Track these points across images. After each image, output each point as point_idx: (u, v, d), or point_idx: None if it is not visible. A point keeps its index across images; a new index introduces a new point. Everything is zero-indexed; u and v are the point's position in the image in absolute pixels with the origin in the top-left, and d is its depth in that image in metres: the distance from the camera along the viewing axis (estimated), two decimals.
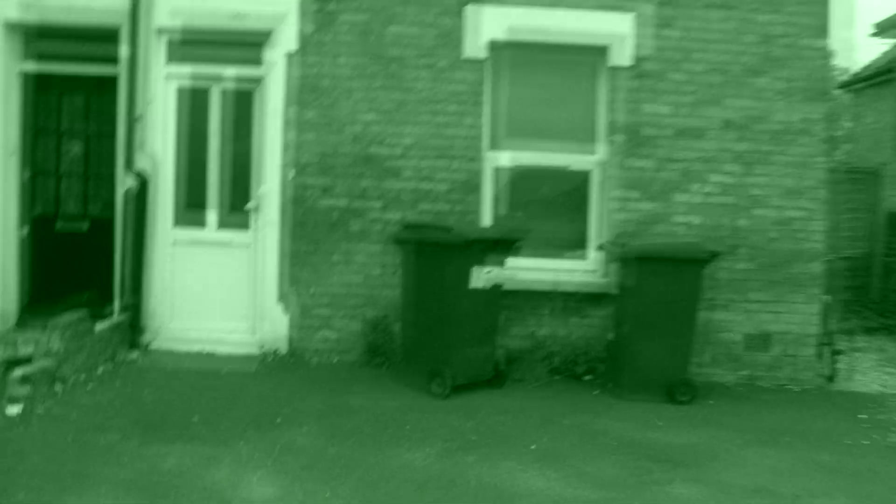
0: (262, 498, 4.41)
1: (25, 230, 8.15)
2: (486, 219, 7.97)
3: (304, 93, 7.77)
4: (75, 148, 8.24)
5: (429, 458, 5.15)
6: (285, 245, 7.80)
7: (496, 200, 8.04)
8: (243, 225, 7.96)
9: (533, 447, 5.50)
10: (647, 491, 4.82)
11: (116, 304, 7.74)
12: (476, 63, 7.81)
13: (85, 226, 8.21)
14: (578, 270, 7.98)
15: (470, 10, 7.75)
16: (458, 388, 6.76)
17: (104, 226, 8.03)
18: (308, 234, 7.80)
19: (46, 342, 6.28)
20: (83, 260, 8.17)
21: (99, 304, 7.72)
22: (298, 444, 5.31)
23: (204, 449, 5.10)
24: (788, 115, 7.79)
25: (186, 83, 7.93)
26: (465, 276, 6.74)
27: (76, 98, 8.23)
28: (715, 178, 7.85)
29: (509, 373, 7.38)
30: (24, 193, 8.15)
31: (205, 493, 4.40)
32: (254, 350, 7.78)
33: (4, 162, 7.89)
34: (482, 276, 6.85)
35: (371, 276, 7.82)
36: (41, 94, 8.18)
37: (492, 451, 5.36)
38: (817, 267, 7.87)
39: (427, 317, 6.90)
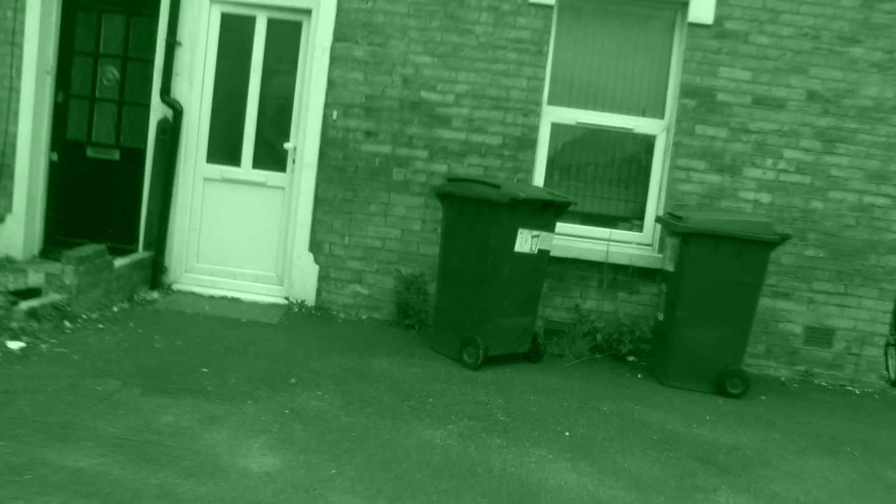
0: (260, 468, 3.98)
1: (55, 155, 7.79)
2: (539, 178, 7.42)
3: (354, 28, 7.25)
4: (111, 72, 7.81)
5: (450, 438, 4.70)
6: (321, 190, 7.35)
7: (551, 160, 7.47)
8: (279, 166, 7.52)
9: (567, 434, 5.02)
10: (690, 498, 4.30)
11: (141, 240, 7.37)
12: (543, 9, 7.19)
13: (116, 154, 7.79)
14: (632, 242, 7.42)
15: None
16: (492, 360, 6.29)
17: (135, 156, 7.66)
18: (347, 180, 7.34)
19: (59, 275, 5.93)
20: (112, 190, 7.78)
21: (123, 239, 7.37)
22: (310, 409, 4.88)
23: (207, 405, 4.71)
24: (882, 90, 7.06)
25: (230, 9, 7.45)
26: (511, 239, 6.21)
27: (116, 19, 7.77)
28: (791, 153, 7.19)
29: (548, 347, 6.91)
30: (56, 116, 7.78)
31: (197, 458, 3.98)
32: (279, 300, 7.39)
33: (38, 81, 7.52)
34: (528, 240, 6.32)
35: (410, 230, 7.35)
36: (81, 12, 7.75)
37: (521, 434, 4.89)
38: (895, 261, 7.21)
39: (465, 279, 6.38)
